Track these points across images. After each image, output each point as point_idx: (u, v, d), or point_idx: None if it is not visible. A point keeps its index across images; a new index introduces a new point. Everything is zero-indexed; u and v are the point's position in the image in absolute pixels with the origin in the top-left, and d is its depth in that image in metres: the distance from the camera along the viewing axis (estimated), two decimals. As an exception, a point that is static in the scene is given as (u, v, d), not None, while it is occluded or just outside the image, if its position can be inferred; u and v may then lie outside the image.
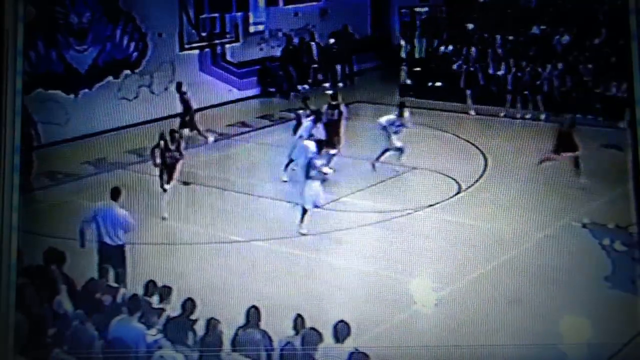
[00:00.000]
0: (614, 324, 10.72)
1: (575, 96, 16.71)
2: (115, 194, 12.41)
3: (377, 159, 15.34)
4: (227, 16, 18.17)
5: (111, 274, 11.87)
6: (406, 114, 15.58)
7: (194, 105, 16.11)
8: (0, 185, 10.61)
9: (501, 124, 16.84)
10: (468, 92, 17.58)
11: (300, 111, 15.84)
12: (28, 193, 12.46)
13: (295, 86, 18.42)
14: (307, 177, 13.70)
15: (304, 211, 13.47)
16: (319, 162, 13.84)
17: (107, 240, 12.13)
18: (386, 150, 15.37)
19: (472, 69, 17.89)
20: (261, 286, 11.92)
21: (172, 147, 14.24)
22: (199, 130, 15.97)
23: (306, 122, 15.39)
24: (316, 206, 13.61)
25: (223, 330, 10.64)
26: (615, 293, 11.38)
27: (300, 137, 15.03)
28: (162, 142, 14.24)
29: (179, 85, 16.37)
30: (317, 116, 15.44)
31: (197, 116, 16.02)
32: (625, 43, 10.91)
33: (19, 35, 10.89)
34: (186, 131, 15.72)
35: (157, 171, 14.24)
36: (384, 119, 15.48)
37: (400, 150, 15.34)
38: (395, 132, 15.41)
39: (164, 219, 13.54)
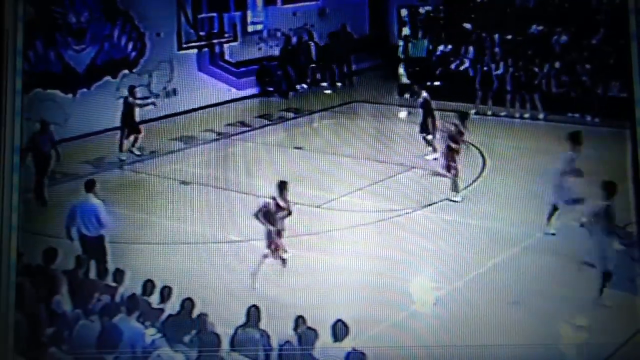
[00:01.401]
0: (613, 323, 10.74)
1: (573, 96, 16.74)
2: (89, 185, 12.49)
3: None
4: (226, 16, 18.20)
5: (93, 270, 11.91)
6: None
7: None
8: (-1, 185, 10.65)
9: (500, 124, 16.84)
10: (480, 93, 17.57)
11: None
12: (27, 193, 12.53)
13: (293, 86, 18.42)
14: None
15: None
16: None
17: (85, 232, 12.19)
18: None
19: (485, 68, 17.90)
20: (261, 285, 11.93)
21: (283, 204, 12.28)
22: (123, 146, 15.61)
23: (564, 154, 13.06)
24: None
25: (213, 322, 10.66)
26: (614, 292, 11.38)
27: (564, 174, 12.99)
28: (271, 202, 12.26)
29: (131, 89, 15.99)
30: (577, 141, 13.12)
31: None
32: (625, 43, 10.91)
33: (19, 35, 10.89)
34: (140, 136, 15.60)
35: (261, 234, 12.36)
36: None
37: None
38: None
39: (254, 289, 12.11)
